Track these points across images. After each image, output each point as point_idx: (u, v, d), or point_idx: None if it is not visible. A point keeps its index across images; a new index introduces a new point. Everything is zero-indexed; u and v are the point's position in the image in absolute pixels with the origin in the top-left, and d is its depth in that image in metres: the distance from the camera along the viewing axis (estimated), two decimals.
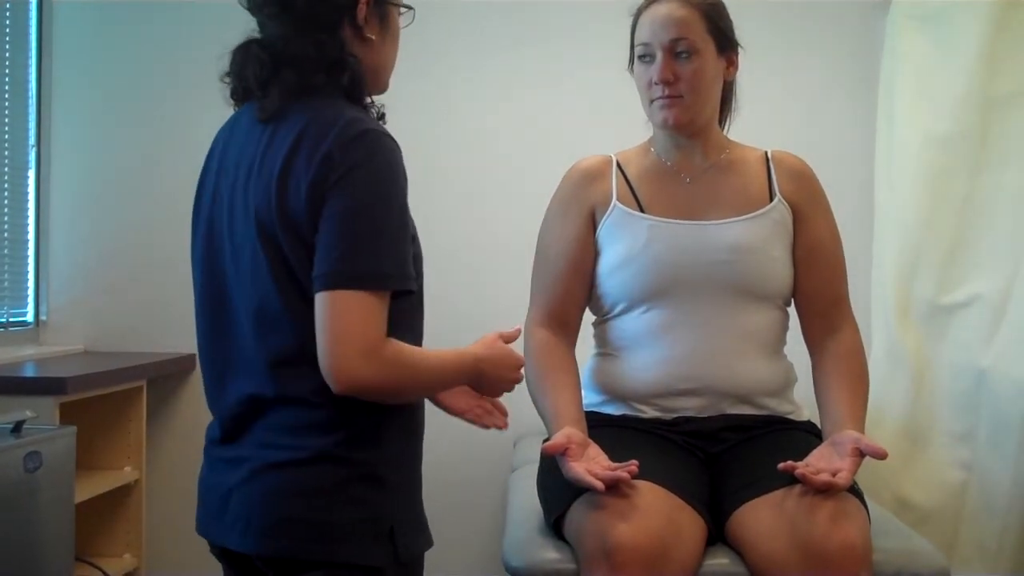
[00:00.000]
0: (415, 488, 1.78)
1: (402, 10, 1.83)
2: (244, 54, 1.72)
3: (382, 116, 1.80)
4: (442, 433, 3.42)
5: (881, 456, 1.89)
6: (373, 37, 1.75)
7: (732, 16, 2.23)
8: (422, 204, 1.97)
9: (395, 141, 1.66)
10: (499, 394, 1.92)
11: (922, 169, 3.12)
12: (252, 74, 1.70)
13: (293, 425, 1.66)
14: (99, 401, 2.99)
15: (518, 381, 1.90)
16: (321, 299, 1.58)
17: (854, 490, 1.93)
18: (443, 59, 3.46)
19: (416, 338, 1.77)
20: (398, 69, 1.87)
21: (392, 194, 1.63)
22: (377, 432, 1.67)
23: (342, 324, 1.56)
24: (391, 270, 1.61)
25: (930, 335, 3.11)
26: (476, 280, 3.44)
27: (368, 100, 1.78)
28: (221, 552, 1.76)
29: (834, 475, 1.86)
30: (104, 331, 3.45)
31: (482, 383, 1.85)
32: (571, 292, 2.24)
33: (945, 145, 3.07)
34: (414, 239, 1.72)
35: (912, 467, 3.08)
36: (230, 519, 1.68)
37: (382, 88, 1.84)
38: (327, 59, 1.68)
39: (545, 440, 2.06)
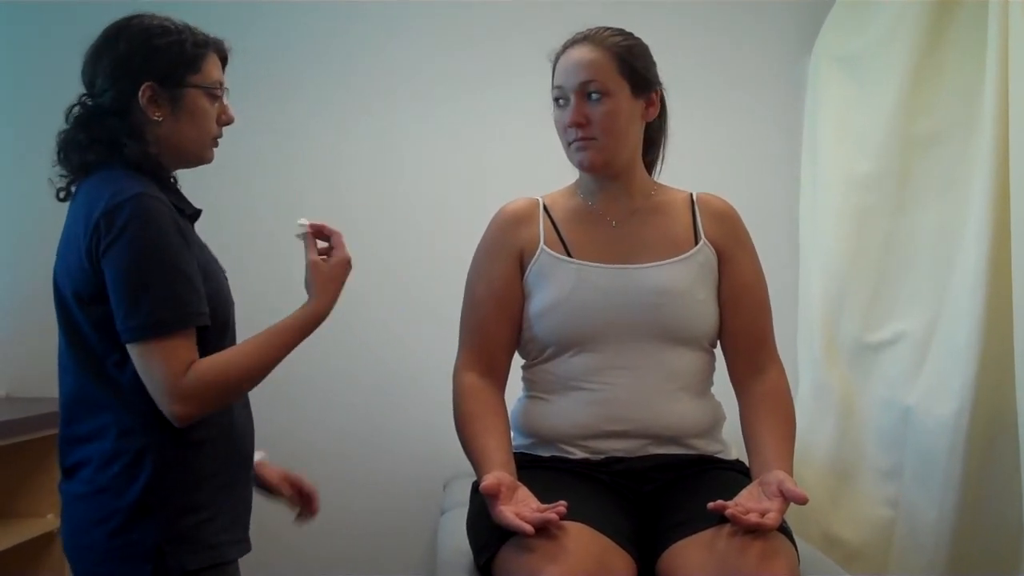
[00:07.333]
0: (195, 510, 1.89)
1: (217, 91, 1.98)
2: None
3: (169, 186, 1.96)
4: (372, 477, 3.44)
5: (802, 502, 1.89)
6: (159, 118, 1.91)
7: (657, 56, 2.24)
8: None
9: (160, 201, 1.81)
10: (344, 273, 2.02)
11: (845, 209, 3.17)
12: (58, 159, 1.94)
13: (81, 461, 1.90)
14: (20, 448, 2.93)
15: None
16: (130, 353, 1.80)
17: (783, 529, 1.93)
18: (375, 104, 3.48)
19: None
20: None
21: (157, 247, 1.79)
22: (141, 465, 1.84)
23: (149, 375, 1.78)
24: (169, 315, 1.78)
25: (856, 373, 3.14)
26: (398, 329, 3.46)
27: (164, 170, 1.95)
28: None
29: (763, 515, 1.86)
30: (26, 376, 3.36)
31: (328, 285, 1.99)
32: (498, 336, 2.24)
33: (867, 185, 3.12)
34: (207, 277, 1.89)
35: (840, 505, 3.10)
36: None
37: (194, 159, 2.00)
38: (103, 139, 1.88)
39: (475, 483, 2.06)
